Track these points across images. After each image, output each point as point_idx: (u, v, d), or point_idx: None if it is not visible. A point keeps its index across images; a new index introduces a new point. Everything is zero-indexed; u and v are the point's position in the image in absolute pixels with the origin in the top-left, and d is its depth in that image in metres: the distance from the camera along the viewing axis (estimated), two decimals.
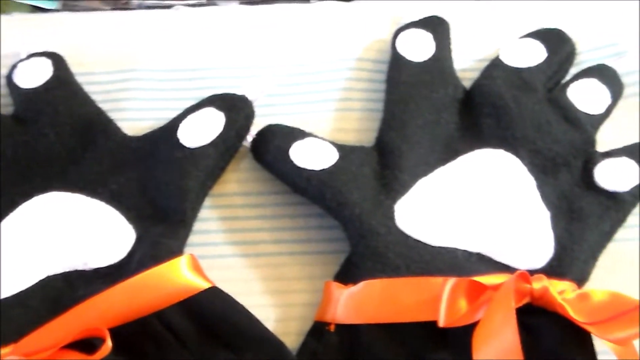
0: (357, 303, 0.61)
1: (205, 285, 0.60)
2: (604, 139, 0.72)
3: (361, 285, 0.61)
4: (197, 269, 0.61)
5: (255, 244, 0.68)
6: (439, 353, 0.60)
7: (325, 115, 0.74)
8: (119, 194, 0.66)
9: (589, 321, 0.59)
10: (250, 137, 0.70)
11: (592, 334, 0.60)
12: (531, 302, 0.60)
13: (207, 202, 0.69)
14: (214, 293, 0.60)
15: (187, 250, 0.65)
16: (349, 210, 0.64)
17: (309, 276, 0.66)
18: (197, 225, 0.67)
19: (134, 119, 0.73)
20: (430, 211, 0.65)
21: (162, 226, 0.64)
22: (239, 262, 0.67)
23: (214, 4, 0.89)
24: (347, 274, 0.63)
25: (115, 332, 0.57)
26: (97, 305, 0.58)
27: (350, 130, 0.73)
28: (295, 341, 0.62)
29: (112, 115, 0.72)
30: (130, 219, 0.65)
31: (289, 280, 0.66)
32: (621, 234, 0.67)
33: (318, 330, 0.62)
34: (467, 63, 0.78)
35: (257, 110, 0.71)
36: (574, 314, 0.59)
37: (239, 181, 0.71)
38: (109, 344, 0.55)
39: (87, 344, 0.57)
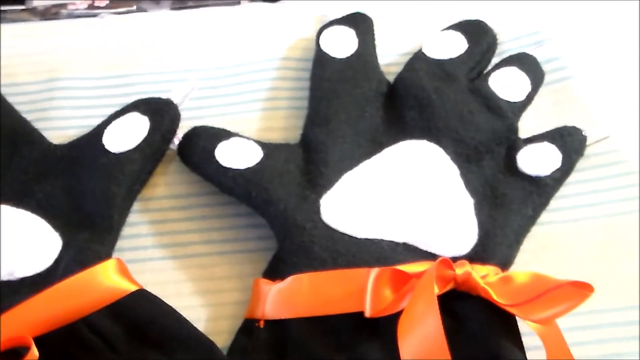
0: (285, 298, 0.62)
1: (132, 288, 0.60)
2: (527, 126, 0.73)
3: (289, 280, 0.62)
4: (124, 272, 0.61)
5: (184, 245, 0.68)
6: (369, 343, 0.60)
7: (253, 115, 0.75)
8: (45, 203, 0.66)
9: (512, 303, 0.59)
10: (177, 140, 0.71)
11: (516, 316, 0.60)
12: (455, 288, 0.60)
13: (136, 206, 0.69)
14: (142, 295, 0.60)
15: (117, 255, 0.65)
16: (274, 206, 0.65)
17: (239, 275, 0.67)
18: (126, 230, 0.68)
19: (61, 127, 0.73)
20: (355, 204, 0.66)
21: (88, 232, 0.64)
22: (169, 264, 0.67)
23: (144, 11, 0.90)
24: (275, 270, 0.64)
25: (43, 340, 0.57)
26: (22, 314, 0.57)
27: (277, 128, 0.74)
28: (227, 340, 0.63)
29: (39, 125, 0.72)
30: (57, 226, 0.65)
31: (219, 279, 0.67)
32: (545, 217, 0.69)
33: (248, 328, 0.62)
34: (391, 58, 0.79)
35: (184, 113, 0.72)
36: (497, 297, 0.59)
37: (167, 184, 0.71)
38: (34, 352, 0.55)
39: (13, 353, 0.56)
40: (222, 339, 0.62)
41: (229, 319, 0.64)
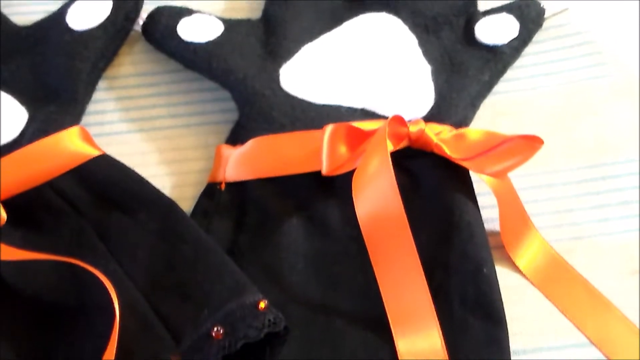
0: (245, 160, 0.63)
1: (95, 152, 0.62)
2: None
3: (249, 143, 0.63)
4: (88, 139, 0.63)
5: (151, 119, 0.70)
6: (326, 202, 0.62)
7: None
8: (12, 80, 0.67)
9: (465, 157, 0.61)
10: (141, 21, 0.72)
11: (470, 170, 0.62)
12: (410, 146, 0.62)
13: (102, 84, 0.71)
14: (105, 160, 0.62)
15: None
16: (234, 75, 0.66)
17: (204, 145, 0.68)
18: (92, 107, 0.69)
19: (25, 12, 0.74)
20: (314, 72, 0.67)
21: (54, 105, 0.65)
22: (136, 137, 0.69)
23: None
24: (236, 137, 0.65)
25: (10, 205, 0.58)
26: None
27: (240, 9, 0.75)
28: (191, 205, 0.64)
29: (3, 10, 0.73)
30: (23, 101, 0.66)
31: (184, 149, 0.68)
32: (503, 86, 0.70)
33: (210, 191, 0.64)
34: None
35: None
36: (451, 152, 0.61)
37: (133, 63, 0.72)
38: (2, 213, 0.57)
39: None
40: (186, 205, 0.63)
41: (193, 185, 0.66)
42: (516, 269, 0.63)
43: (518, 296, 0.61)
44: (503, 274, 0.62)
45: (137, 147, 0.68)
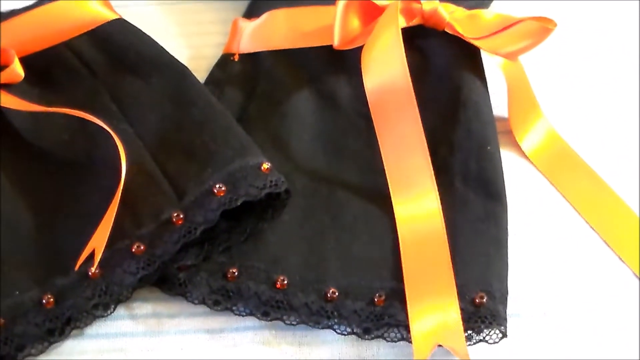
0: (260, 32, 0.64)
1: (113, 16, 0.62)
2: None
3: (264, 16, 0.64)
4: (106, 4, 0.63)
5: None
6: (336, 76, 0.63)
7: None
8: None
9: (478, 36, 0.61)
10: None
11: (481, 53, 0.62)
12: (423, 24, 0.62)
13: None
14: (122, 25, 0.63)
15: None
16: None
17: (223, 20, 0.69)
18: None
19: None
20: None
21: None
22: (157, 10, 0.70)
23: None
24: (253, 11, 0.66)
25: (29, 64, 0.60)
26: (8, 30, 0.60)
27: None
28: (204, 77, 0.65)
29: None
30: None
31: (203, 24, 0.69)
32: None
33: (223, 61, 0.65)
34: None
35: None
36: (463, 31, 0.61)
37: None
38: (18, 68, 0.58)
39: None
40: (200, 76, 0.64)
41: (208, 59, 0.67)
42: (522, 154, 0.63)
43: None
44: (508, 157, 0.62)
45: (156, 20, 0.69)
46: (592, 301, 0.57)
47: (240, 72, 0.64)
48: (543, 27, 0.60)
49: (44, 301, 0.52)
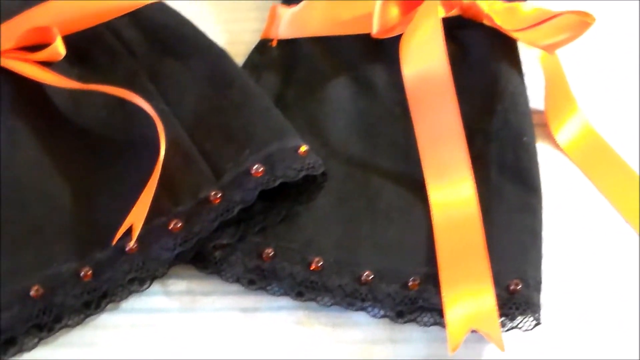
0: (298, 19, 0.65)
1: None
2: None
3: (303, 3, 0.65)
4: None
5: None
6: (374, 64, 0.63)
7: None
8: None
9: (516, 29, 0.61)
10: None
11: (518, 45, 0.62)
12: (461, 15, 0.62)
13: None
14: (161, 7, 0.63)
15: None
16: None
17: (262, 7, 0.69)
18: None
19: None
20: None
21: None
22: None
23: None
24: None
25: (70, 44, 0.60)
26: (50, 10, 0.61)
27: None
28: (242, 62, 0.66)
29: None
30: None
31: (242, 11, 0.70)
32: None
33: (261, 46, 0.65)
34: None
35: None
36: (501, 23, 0.61)
37: None
38: (60, 46, 0.59)
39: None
40: (238, 61, 0.64)
41: (246, 44, 0.67)
42: (557, 147, 0.63)
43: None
44: (544, 150, 0.62)
45: (194, 5, 0.70)
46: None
47: (277, 57, 0.64)
48: (582, 20, 0.60)
49: (82, 274, 0.53)
